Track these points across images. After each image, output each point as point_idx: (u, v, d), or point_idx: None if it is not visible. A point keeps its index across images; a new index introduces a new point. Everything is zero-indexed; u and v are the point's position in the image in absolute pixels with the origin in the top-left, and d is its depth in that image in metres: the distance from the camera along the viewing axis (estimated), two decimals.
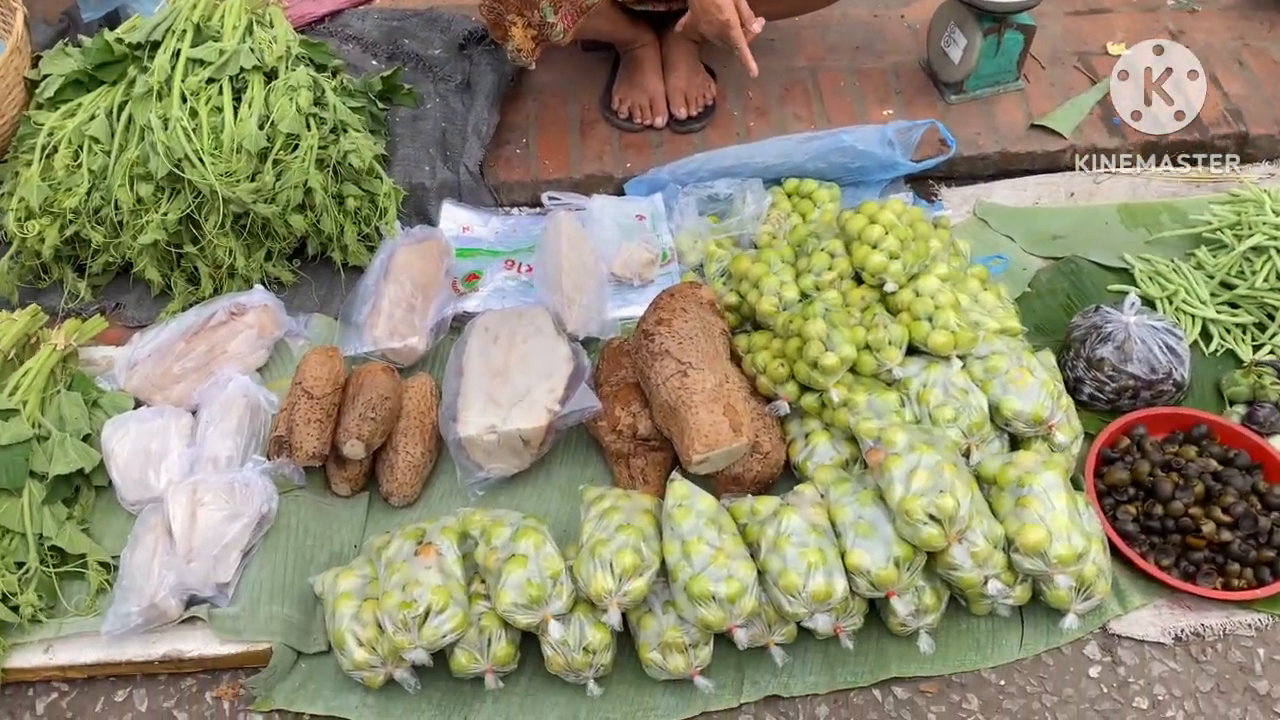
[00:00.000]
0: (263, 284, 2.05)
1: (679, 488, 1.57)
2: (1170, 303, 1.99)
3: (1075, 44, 2.49)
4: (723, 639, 1.52)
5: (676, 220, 2.15)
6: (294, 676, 1.57)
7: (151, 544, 1.58)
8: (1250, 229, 1.98)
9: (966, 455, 1.65)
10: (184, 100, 1.95)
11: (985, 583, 1.51)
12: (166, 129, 1.91)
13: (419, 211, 2.21)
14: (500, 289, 2.09)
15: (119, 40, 2.05)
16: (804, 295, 1.81)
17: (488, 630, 1.50)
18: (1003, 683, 1.57)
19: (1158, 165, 2.28)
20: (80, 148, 2.01)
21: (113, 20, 2.38)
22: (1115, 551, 1.63)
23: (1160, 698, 1.55)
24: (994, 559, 1.50)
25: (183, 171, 1.89)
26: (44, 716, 1.57)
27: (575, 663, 1.49)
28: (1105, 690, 1.56)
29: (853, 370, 1.71)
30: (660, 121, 2.32)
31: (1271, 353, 1.91)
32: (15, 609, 1.57)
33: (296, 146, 1.98)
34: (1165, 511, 1.67)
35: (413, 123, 2.29)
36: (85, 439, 1.74)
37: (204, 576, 1.56)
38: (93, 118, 2.02)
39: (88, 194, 1.98)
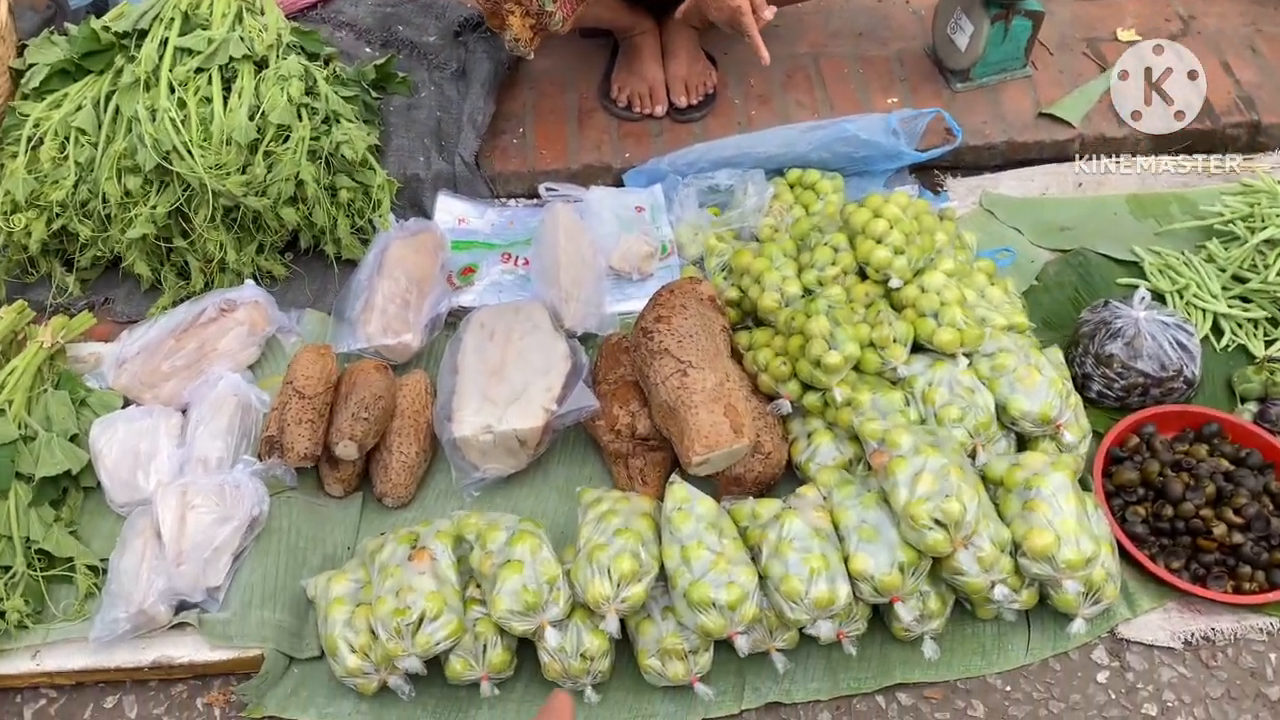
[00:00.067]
0: (254, 278, 2.01)
1: (678, 491, 1.53)
2: (1181, 297, 1.95)
3: (1084, 30, 2.44)
4: (723, 645, 1.49)
5: (676, 212, 2.10)
6: (286, 682, 1.54)
7: (140, 548, 1.55)
8: (1263, 221, 1.93)
9: (972, 456, 1.61)
10: (172, 90, 1.91)
11: (992, 587, 1.47)
12: (154, 120, 1.87)
13: (414, 203, 2.17)
14: (497, 283, 2.05)
15: (105, 28, 2.01)
16: (806, 291, 1.77)
17: (483, 637, 1.47)
18: (1009, 689, 1.54)
19: (1168, 155, 2.23)
20: (67, 139, 1.96)
21: (100, 7, 2.33)
22: (1124, 553, 1.60)
23: (1170, 704, 1.52)
24: (1000, 563, 1.47)
25: (171, 164, 1.85)
26: None
27: (572, 669, 1.46)
28: (1113, 696, 1.53)
29: (856, 368, 1.67)
30: (660, 110, 2.27)
31: None
32: (2, 614, 1.53)
33: (288, 138, 1.94)
34: (1175, 513, 1.64)
35: (407, 112, 2.24)
36: (73, 439, 1.70)
37: (194, 581, 1.53)
38: (79, 108, 1.98)
39: (75, 187, 1.93)
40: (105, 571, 1.59)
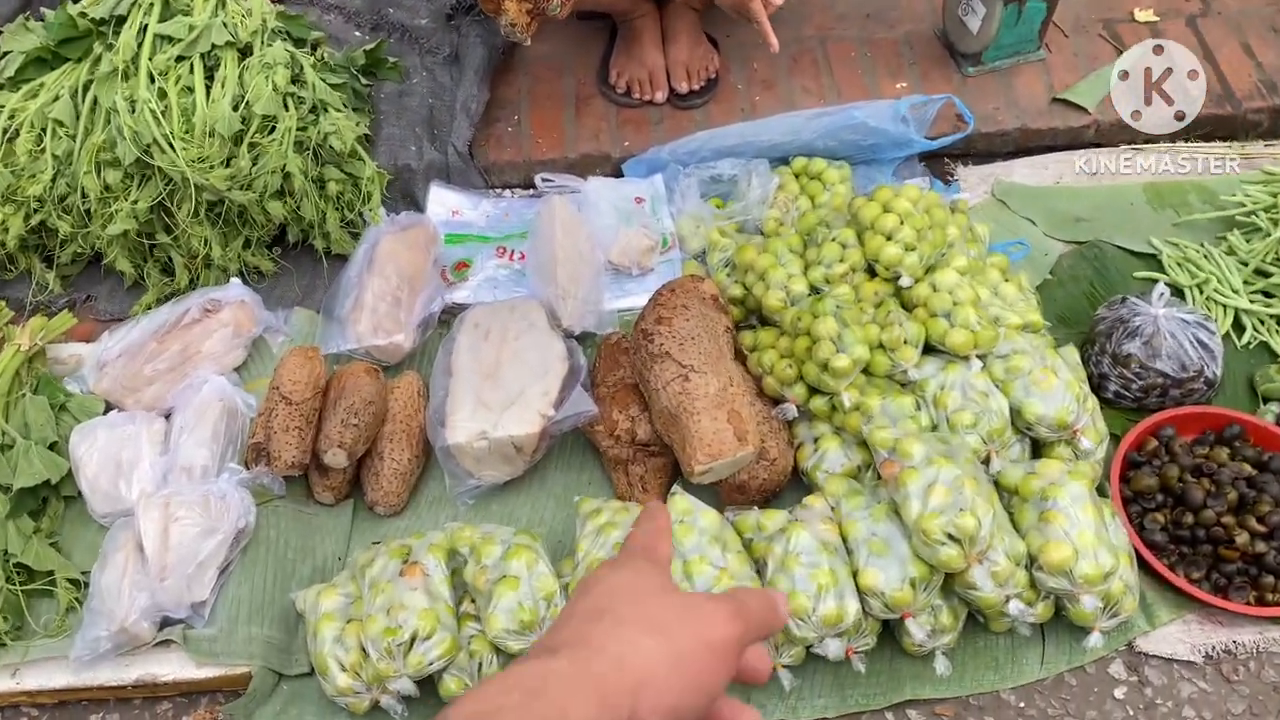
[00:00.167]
0: (241, 274, 1.94)
1: (680, 502, 1.47)
2: (1200, 291, 1.88)
3: (1100, 11, 2.35)
4: None
5: (677, 204, 2.03)
6: (275, 700, 1.49)
7: (121, 562, 1.49)
8: None
9: (986, 462, 1.55)
10: (152, 80, 1.83)
11: (1006, 602, 1.42)
12: (133, 112, 1.79)
13: (406, 194, 2.10)
14: (492, 278, 1.98)
15: (82, 14, 1.92)
16: (813, 289, 1.70)
17: (478, 654, 1.42)
18: (1022, 704, 1.49)
19: (1186, 142, 2.16)
20: (44, 131, 1.89)
21: None
22: (1142, 563, 1.54)
23: None
24: (1016, 577, 1.41)
25: (151, 158, 1.78)
26: None
27: None
28: (1131, 713, 1.48)
29: (865, 371, 1.60)
30: (660, 96, 2.19)
31: None
32: None
33: (273, 129, 1.86)
34: (1196, 520, 1.58)
35: (398, 99, 2.16)
36: (52, 446, 1.64)
37: (178, 596, 1.48)
38: (56, 99, 1.90)
39: (53, 181, 1.86)
40: (87, 585, 1.53)
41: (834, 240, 1.72)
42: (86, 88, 1.89)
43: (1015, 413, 1.58)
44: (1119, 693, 1.49)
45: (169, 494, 1.54)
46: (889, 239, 1.65)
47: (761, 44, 1.85)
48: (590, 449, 1.73)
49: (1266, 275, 1.86)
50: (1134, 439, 1.67)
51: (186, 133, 1.80)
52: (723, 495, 1.62)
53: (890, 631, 1.51)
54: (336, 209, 1.95)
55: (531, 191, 2.13)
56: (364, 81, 2.14)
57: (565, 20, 1.96)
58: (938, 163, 2.16)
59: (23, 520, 1.57)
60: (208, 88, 1.85)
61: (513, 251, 2.01)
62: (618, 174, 2.13)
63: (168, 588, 1.47)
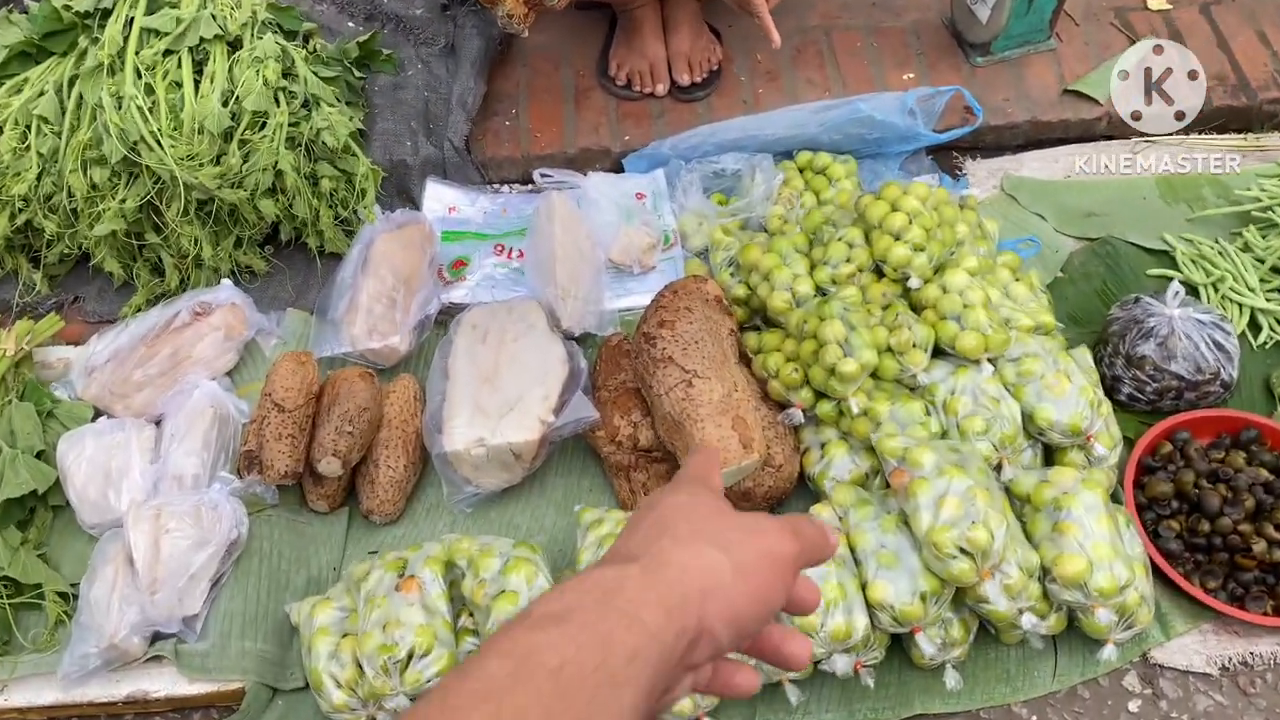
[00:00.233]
0: (233, 274, 1.90)
1: None
2: (1215, 290, 1.84)
3: None
4: None
5: (679, 200, 1.98)
6: (269, 715, 1.46)
7: (111, 576, 1.46)
8: None
9: (997, 469, 1.51)
10: (138, 75, 1.78)
11: (1019, 615, 1.38)
12: (120, 108, 1.74)
13: (401, 190, 2.05)
14: (490, 277, 1.93)
15: (66, 7, 1.87)
16: (819, 290, 1.66)
17: None
18: (1034, 718, 1.46)
19: (1199, 134, 2.11)
20: (28, 128, 1.83)
21: None
22: (1157, 572, 1.50)
23: None
24: (1029, 590, 1.37)
25: (139, 156, 1.73)
26: None
27: None
28: None
29: (873, 375, 1.56)
30: (661, 89, 2.14)
31: None
32: None
33: (264, 125, 1.81)
34: (1212, 528, 1.54)
35: (393, 92, 2.11)
36: (39, 455, 1.60)
37: (169, 611, 1.44)
38: (41, 94, 1.85)
39: (38, 179, 1.81)
40: (76, 597, 1.49)
41: (840, 240, 1.67)
42: (72, 83, 1.84)
43: (1027, 418, 1.54)
44: (1133, 706, 1.46)
45: (159, 504, 1.50)
46: (897, 239, 1.60)
47: (765, 35, 1.80)
48: (591, 454, 1.69)
49: None
50: (1148, 443, 1.63)
51: (175, 130, 1.75)
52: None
53: (899, 643, 1.47)
54: (330, 207, 1.90)
55: (530, 187, 2.09)
56: (357, 74, 2.09)
57: (563, 10, 1.91)
58: (945, 156, 2.11)
59: (9, 532, 1.53)
60: (196, 83, 1.80)
61: (511, 249, 1.97)
62: (618, 169, 2.09)
63: (158, 602, 1.43)
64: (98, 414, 1.68)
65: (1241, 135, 2.11)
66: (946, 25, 2.24)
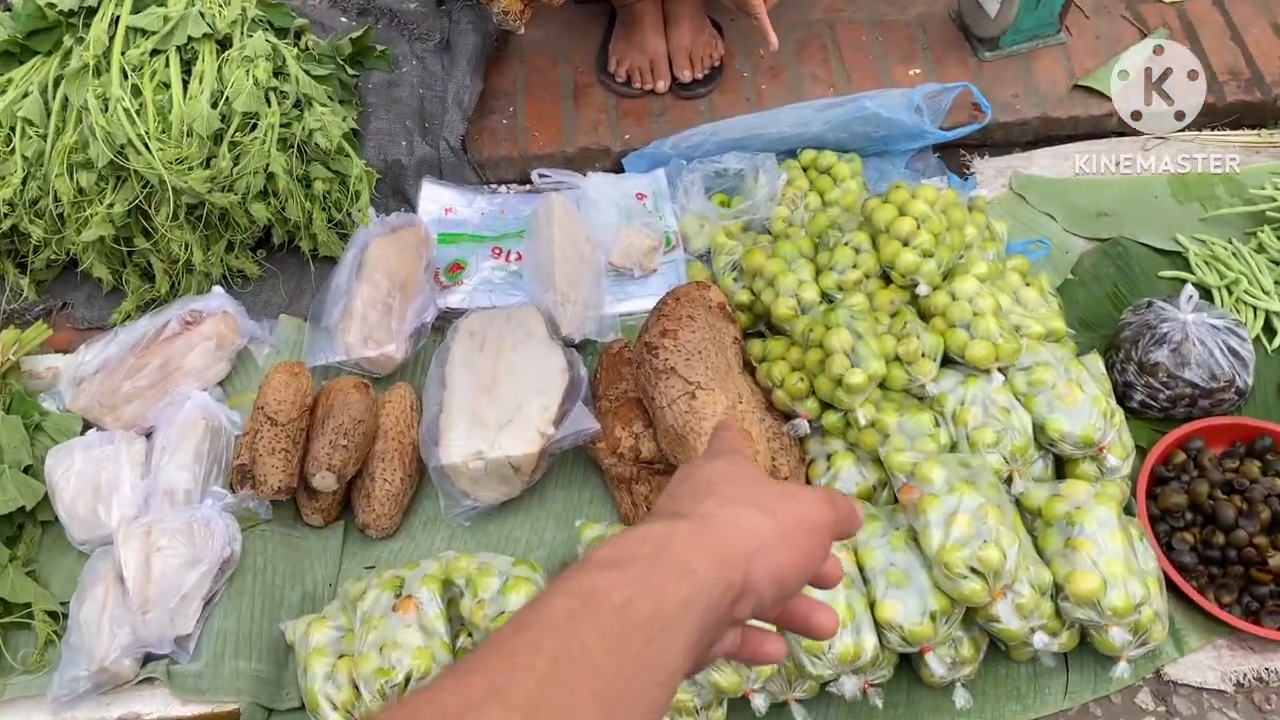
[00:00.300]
0: (224, 279, 1.85)
1: None
2: (1229, 293, 1.80)
3: None
4: (738, 699, 1.37)
5: (681, 200, 1.93)
6: None
7: (101, 596, 1.42)
8: None
9: (1008, 482, 1.47)
10: (125, 76, 1.73)
11: (1031, 634, 1.35)
12: (106, 110, 1.70)
13: (396, 191, 2.00)
14: (487, 280, 1.89)
15: (50, 5, 1.82)
16: (825, 297, 1.62)
17: None
18: None
19: (1212, 130, 2.06)
20: (12, 130, 1.79)
21: None
22: (1170, 586, 1.47)
23: None
24: (1041, 609, 1.34)
25: (126, 159, 1.68)
26: None
27: None
28: None
29: (881, 385, 1.52)
30: (662, 85, 2.09)
31: None
32: None
33: (255, 126, 1.76)
34: (1227, 541, 1.50)
35: (387, 90, 2.06)
36: (27, 469, 1.56)
37: (161, 631, 1.41)
38: (25, 95, 1.80)
39: (23, 184, 1.76)
40: (66, 616, 1.46)
41: (847, 245, 1.63)
42: (57, 84, 1.79)
43: (1038, 429, 1.50)
44: None
45: (150, 521, 1.46)
46: (905, 244, 1.56)
47: (762, 37, 1.75)
48: (591, 466, 1.66)
49: None
50: (1161, 452, 1.60)
51: (163, 132, 1.70)
52: None
53: (907, 661, 1.44)
54: (323, 209, 1.85)
55: (528, 187, 2.04)
56: (350, 72, 2.04)
57: (561, 5, 1.86)
58: (952, 154, 2.06)
59: None
60: (185, 83, 1.75)
61: (508, 252, 1.92)
62: (617, 168, 2.04)
63: (150, 622, 1.40)
64: (87, 426, 1.64)
65: (1255, 131, 2.07)
66: (953, 19, 2.19)
